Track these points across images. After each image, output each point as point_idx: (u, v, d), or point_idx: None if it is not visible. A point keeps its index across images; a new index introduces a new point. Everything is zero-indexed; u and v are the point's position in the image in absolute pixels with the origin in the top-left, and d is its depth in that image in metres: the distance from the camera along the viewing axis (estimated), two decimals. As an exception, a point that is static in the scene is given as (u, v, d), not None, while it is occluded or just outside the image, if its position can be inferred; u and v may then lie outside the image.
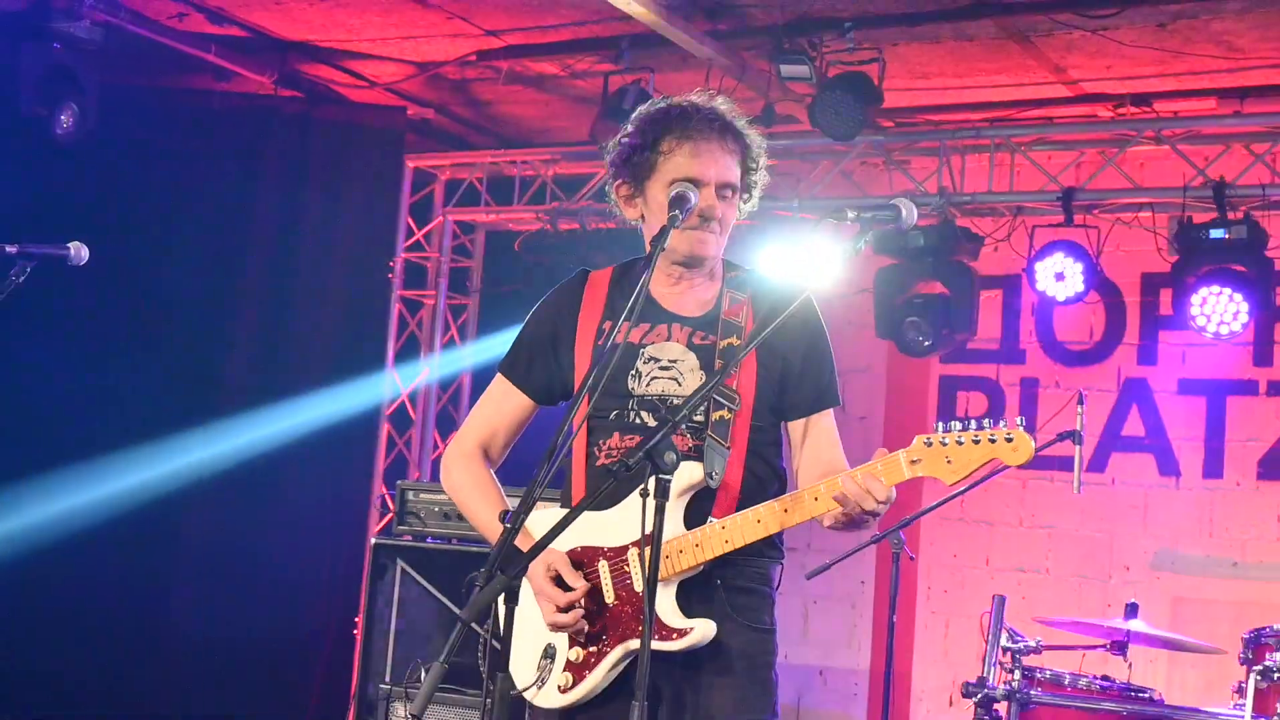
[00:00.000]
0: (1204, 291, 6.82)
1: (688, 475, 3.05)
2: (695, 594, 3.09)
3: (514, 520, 2.67)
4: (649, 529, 2.68)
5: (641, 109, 3.29)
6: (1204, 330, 6.90)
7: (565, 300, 3.35)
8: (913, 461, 2.94)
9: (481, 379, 5.28)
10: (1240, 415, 7.47)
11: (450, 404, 8.96)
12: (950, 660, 7.80)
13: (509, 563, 2.63)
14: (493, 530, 3.14)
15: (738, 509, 3.08)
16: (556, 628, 3.08)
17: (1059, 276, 7.18)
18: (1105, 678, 5.21)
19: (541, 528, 2.88)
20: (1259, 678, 4.70)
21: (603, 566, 3.12)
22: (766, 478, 3.21)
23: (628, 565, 3.10)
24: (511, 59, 7.50)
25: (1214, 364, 7.52)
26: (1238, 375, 7.49)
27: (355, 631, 7.55)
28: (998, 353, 8.05)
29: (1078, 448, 5.43)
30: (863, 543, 5.40)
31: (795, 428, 3.27)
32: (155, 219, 7.91)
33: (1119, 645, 5.29)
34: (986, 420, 2.93)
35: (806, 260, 7.46)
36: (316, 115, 8.25)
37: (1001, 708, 5.06)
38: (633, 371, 3.19)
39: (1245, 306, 6.76)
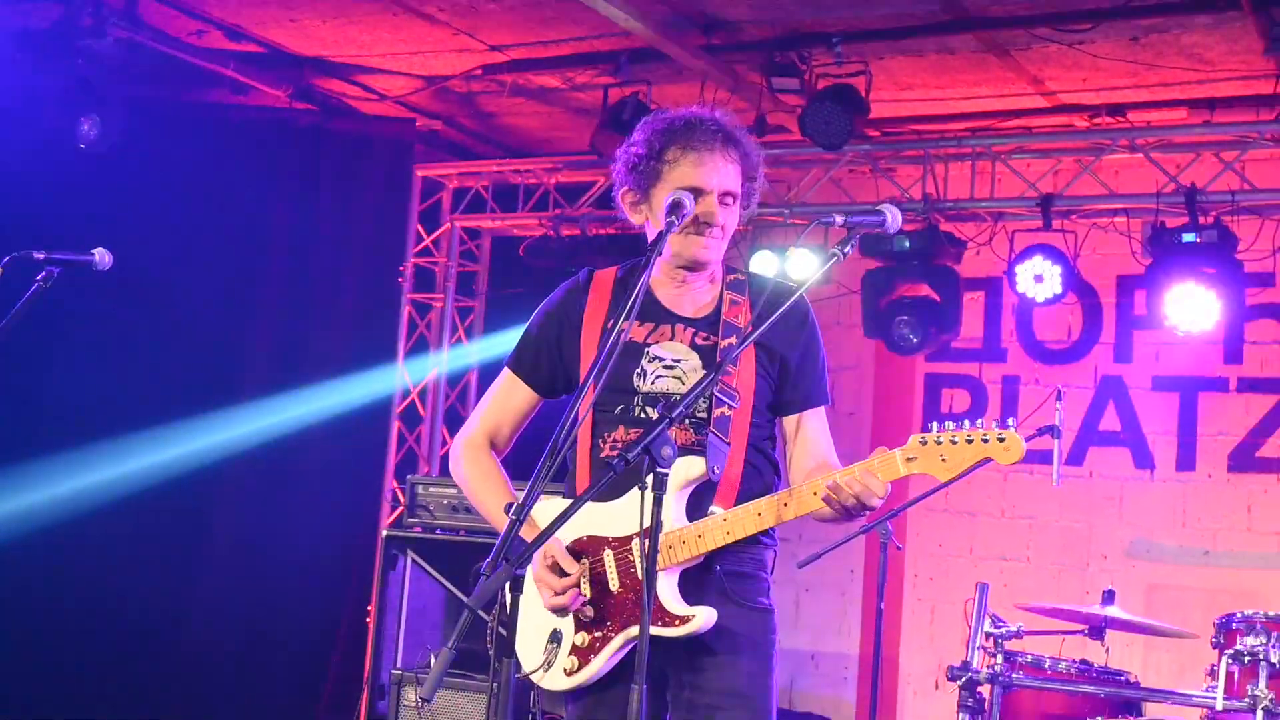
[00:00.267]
0: (1176, 292, 6.87)
1: (689, 469, 3.10)
2: (696, 581, 3.14)
3: (517, 513, 2.68)
4: (649, 521, 2.73)
5: (647, 120, 3.32)
6: (1176, 329, 6.98)
7: (571, 298, 3.38)
8: (909, 459, 3.00)
9: (487, 377, 5.28)
10: (1211, 410, 7.52)
11: (458, 401, 8.96)
12: (936, 645, 7.86)
13: (514, 552, 2.65)
14: (499, 520, 3.12)
15: (737, 501, 3.14)
16: (555, 611, 3.16)
17: (1038, 279, 7.22)
18: (1084, 661, 5.24)
19: (545, 518, 3.06)
20: (1230, 661, 4.73)
21: (608, 555, 3.16)
22: (765, 470, 3.27)
23: (631, 555, 3.14)
24: (515, 73, 7.52)
25: (1186, 362, 7.58)
26: (1209, 372, 7.55)
27: (368, 619, 7.60)
28: (980, 351, 8.08)
29: (1056, 442, 5.44)
30: (852, 533, 5.29)
31: (789, 423, 3.33)
32: (176, 226, 7.86)
33: (1097, 630, 5.33)
34: (980, 420, 2.99)
35: (797, 263, 7.54)
36: (330, 127, 8.24)
37: (985, 690, 5.09)
38: (638, 370, 3.23)
39: (1216, 307, 6.81)
